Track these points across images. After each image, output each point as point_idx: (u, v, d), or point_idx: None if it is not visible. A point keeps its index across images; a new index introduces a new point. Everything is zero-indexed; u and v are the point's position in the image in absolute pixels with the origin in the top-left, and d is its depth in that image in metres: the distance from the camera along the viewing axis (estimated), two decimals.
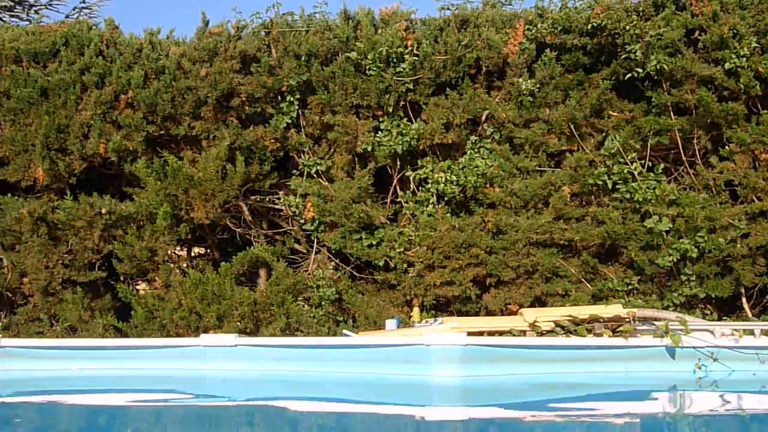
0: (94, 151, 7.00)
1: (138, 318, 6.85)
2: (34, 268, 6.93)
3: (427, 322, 6.24)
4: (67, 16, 13.85)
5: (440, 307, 6.93)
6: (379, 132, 7.05)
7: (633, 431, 4.54)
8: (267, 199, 7.35)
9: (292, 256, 7.38)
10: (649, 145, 6.94)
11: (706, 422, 4.76)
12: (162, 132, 7.12)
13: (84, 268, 7.08)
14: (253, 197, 7.33)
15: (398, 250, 6.91)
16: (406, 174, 7.12)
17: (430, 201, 7.00)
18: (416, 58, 6.91)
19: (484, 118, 7.06)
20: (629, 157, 6.81)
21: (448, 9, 7.26)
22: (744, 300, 6.93)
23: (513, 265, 6.80)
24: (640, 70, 6.93)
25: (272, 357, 5.94)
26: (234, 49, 7.04)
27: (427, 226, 6.86)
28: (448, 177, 6.91)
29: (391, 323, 6.34)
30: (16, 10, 13.90)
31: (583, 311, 6.01)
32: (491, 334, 5.92)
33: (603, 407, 5.05)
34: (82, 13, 14.12)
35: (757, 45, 6.83)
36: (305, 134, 7.23)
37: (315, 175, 7.23)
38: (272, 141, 7.10)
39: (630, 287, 6.76)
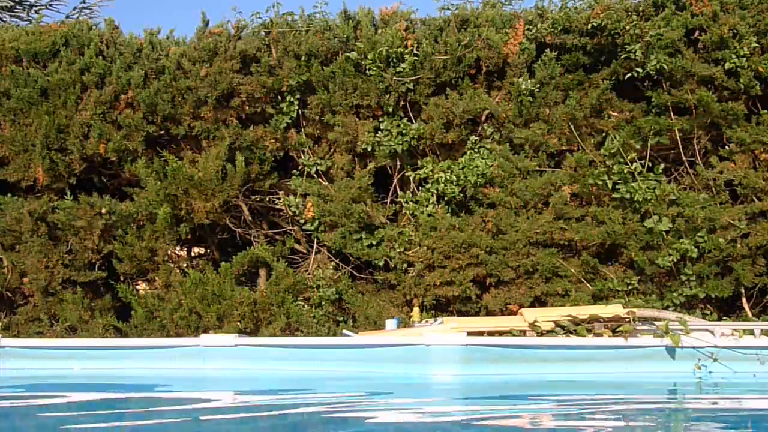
0: (94, 151, 7.00)
1: (138, 318, 6.85)
2: (34, 268, 6.93)
3: (427, 322, 6.25)
4: (67, 16, 13.86)
5: (440, 307, 6.93)
6: (379, 132, 7.05)
7: (633, 431, 4.53)
8: (267, 199, 7.34)
9: (292, 256, 7.38)
10: (649, 145, 6.93)
11: (706, 423, 4.76)
12: (162, 132, 7.13)
13: (84, 268, 7.08)
14: (253, 197, 7.33)
15: (398, 250, 6.91)
16: (406, 174, 7.12)
17: (430, 201, 7.00)
18: (416, 58, 6.91)
19: (484, 118, 7.06)
20: (629, 157, 6.81)
21: (448, 9, 7.27)
22: (744, 300, 6.93)
23: (513, 265, 6.80)
24: (640, 70, 6.93)
25: (272, 357, 5.94)
26: (234, 49, 7.04)
27: (427, 226, 6.86)
28: (448, 177, 6.91)
29: (391, 323, 6.34)
30: (16, 10, 13.91)
31: (583, 311, 6.01)
32: (491, 334, 5.93)
33: (603, 407, 5.05)
34: (82, 13, 14.13)
35: (757, 45, 6.83)
36: (305, 134, 7.23)
37: (315, 175, 7.23)
38: (272, 141, 7.10)
39: (630, 287, 6.76)
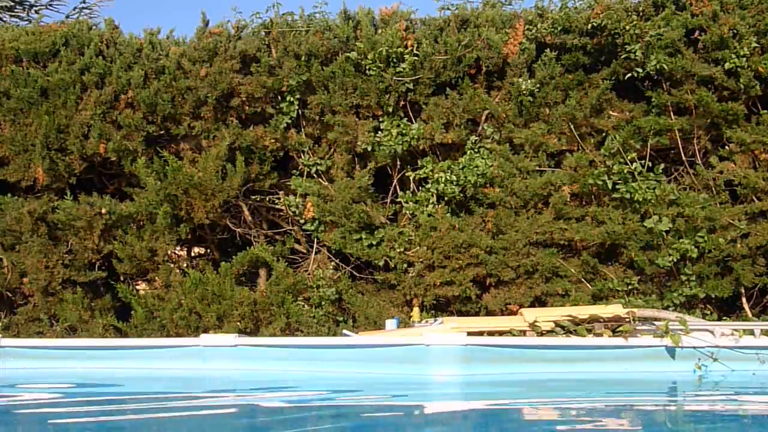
0: (94, 151, 7.00)
1: (138, 318, 6.85)
2: (34, 268, 6.93)
3: (427, 322, 6.25)
4: (67, 16, 13.85)
5: (440, 307, 6.93)
6: (379, 132, 7.05)
7: (633, 431, 4.53)
8: (267, 199, 7.34)
9: (292, 256, 7.38)
10: (649, 145, 6.93)
11: (706, 422, 4.76)
12: (162, 132, 7.13)
13: (84, 268, 7.08)
14: (253, 197, 7.33)
15: (398, 250, 6.91)
16: (406, 174, 7.12)
17: (430, 201, 7.00)
18: (416, 58, 6.91)
19: (484, 118, 7.06)
20: (629, 157, 6.81)
21: (448, 9, 7.27)
22: (744, 300, 6.93)
23: (513, 265, 6.80)
24: (640, 70, 6.93)
25: (272, 357, 5.94)
26: (234, 49, 7.04)
27: (427, 226, 6.86)
28: (448, 177, 6.91)
29: (391, 323, 6.34)
30: (16, 10, 13.90)
31: (583, 311, 6.01)
32: (491, 334, 5.93)
33: (603, 407, 5.05)
34: (82, 13, 14.12)
35: (757, 45, 6.83)
36: (305, 134, 7.23)
37: (315, 175, 7.23)
38: (272, 141, 7.10)
39: (630, 287, 6.76)
